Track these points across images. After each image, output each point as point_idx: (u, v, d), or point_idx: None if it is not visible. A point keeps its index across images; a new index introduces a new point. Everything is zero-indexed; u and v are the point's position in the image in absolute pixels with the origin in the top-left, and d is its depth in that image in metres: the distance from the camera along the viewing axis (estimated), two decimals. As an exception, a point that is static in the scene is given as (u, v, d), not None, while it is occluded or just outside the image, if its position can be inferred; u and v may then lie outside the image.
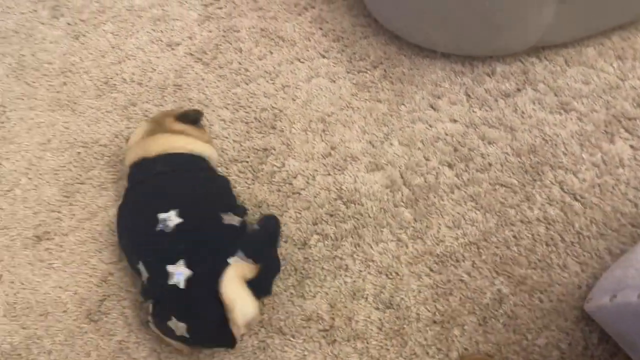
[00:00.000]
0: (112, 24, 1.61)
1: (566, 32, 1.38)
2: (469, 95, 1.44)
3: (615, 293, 1.04)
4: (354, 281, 1.25)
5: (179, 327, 1.03)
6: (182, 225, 1.08)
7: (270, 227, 1.25)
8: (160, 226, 1.07)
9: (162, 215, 1.09)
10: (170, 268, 1.04)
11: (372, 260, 1.27)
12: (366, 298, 1.23)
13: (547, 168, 1.35)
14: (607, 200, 1.30)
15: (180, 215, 1.09)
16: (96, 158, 1.42)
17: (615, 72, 1.45)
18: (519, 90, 1.44)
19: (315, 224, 1.31)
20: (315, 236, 1.30)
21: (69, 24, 1.62)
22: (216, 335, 1.07)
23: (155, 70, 1.53)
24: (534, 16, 1.24)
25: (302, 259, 1.27)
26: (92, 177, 1.39)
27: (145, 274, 1.09)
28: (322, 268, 1.26)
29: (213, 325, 1.04)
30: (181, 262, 1.04)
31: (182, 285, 1.02)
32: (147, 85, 1.51)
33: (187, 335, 1.04)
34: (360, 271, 1.26)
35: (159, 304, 1.08)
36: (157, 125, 1.26)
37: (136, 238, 1.14)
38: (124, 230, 1.19)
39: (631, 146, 1.35)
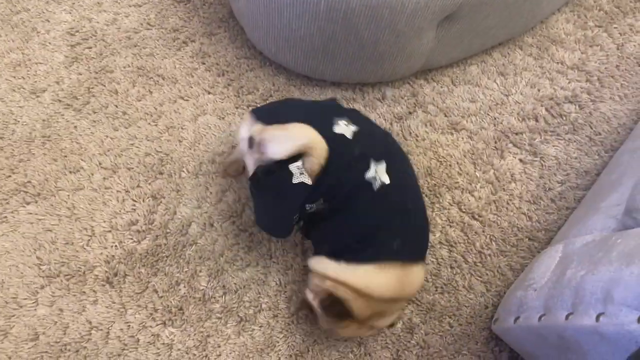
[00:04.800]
0: (-37, 73, 1.48)
1: (448, 54, 1.46)
2: (362, 122, 1.47)
3: (518, 315, 1.10)
4: (263, 332, 1.22)
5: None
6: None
7: None
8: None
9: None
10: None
11: (279, 308, 1.24)
12: (277, 351, 1.21)
13: (444, 189, 1.40)
14: (503, 216, 1.38)
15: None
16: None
17: (499, 89, 1.54)
18: (410, 113, 1.49)
19: (218, 275, 1.27)
20: (217, 290, 1.26)
21: None
22: None
23: (18, 121, 1.42)
24: (415, 43, 1.30)
25: (204, 316, 1.22)
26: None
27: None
28: (226, 323, 1.22)
29: None
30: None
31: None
32: (10, 139, 1.40)
33: None
34: (269, 321, 1.23)
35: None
36: None
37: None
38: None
39: (520, 160, 1.45)
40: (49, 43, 1.53)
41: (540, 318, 1.02)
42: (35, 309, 1.22)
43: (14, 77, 1.48)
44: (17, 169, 1.36)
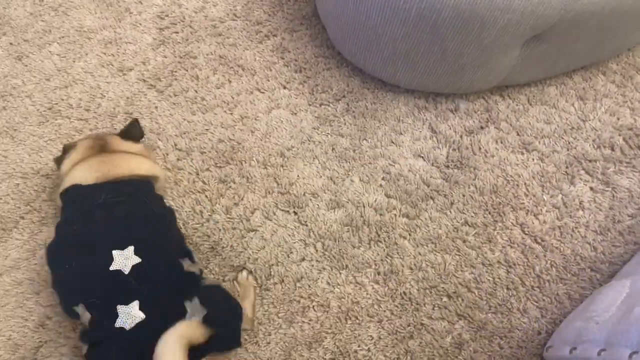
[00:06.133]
0: (58, 45, 1.56)
1: (529, 73, 1.42)
2: (432, 131, 1.46)
3: (575, 345, 1.06)
4: (312, 327, 1.23)
5: None
6: (140, 266, 1.03)
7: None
8: (115, 265, 1.02)
9: (118, 252, 1.04)
10: (121, 309, 0.99)
11: (329, 306, 1.25)
12: (324, 347, 1.22)
13: (509, 209, 1.37)
14: (567, 243, 1.34)
15: (137, 253, 1.04)
16: (37, 190, 1.36)
17: (576, 113, 1.50)
18: (482, 128, 1.47)
19: (271, 265, 1.29)
20: (271, 279, 1.28)
21: (11, 43, 1.56)
22: None
23: (104, 96, 1.49)
24: (499, 59, 1.27)
25: (257, 304, 1.25)
26: (32, 211, 1.34)
27: (86, 316, 1.03)
28: (278, 313, 1.24)
29: None
30: (135, 304, 1.00)
31: (128, 327, 0.98)
32: (95, 112, 1.46)
33: None
34: (319, 317, 1.24)
35: (98, 346, 1.01)
36: (99, 145, 1.21)
37: (83, 277, 1.06)
38: (63, 268, 1.09)
39: (591, 188, 1.40)
40: (140, 24, 1.59)
41: (599, 352, 0.99)
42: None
43: (105, 53, 1.55)
44: (99, 141, 1.43)
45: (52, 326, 1.22)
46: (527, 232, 1.35)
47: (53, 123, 1.45)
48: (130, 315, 0.99)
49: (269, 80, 1.52)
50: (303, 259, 1.31)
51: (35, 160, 1.40)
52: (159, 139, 1.43)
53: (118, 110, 1.47)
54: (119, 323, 0.98)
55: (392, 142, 1.45)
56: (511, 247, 1.34)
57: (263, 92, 1.51)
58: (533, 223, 1.36)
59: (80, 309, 1.03)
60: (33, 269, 1.27)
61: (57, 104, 1.48)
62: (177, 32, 1.58)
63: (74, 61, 1.54)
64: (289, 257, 1.31)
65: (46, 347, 1.20)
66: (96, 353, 1.01)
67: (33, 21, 1.59)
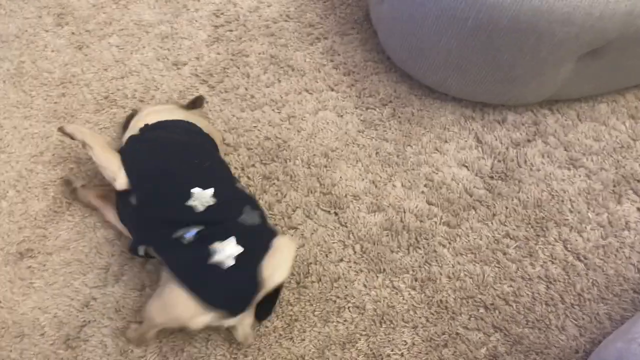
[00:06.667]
0: (118, 37, 1.61)
1: (581, 88, 1.40)
2: (478, 141, 1.45)
3: (615, 366, 1.03)
4: (346, 327, 1.24)
5: (228, 251, 1.05)
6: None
7: None
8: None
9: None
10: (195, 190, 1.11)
11: (364, 308, 1.26)
12: (358, 349, 1.22)
13: (552, 224, 1.35)
14: (610, 263, 1.31)
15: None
16: (89, 175, 1.41)
17: (627, 131, 1.46)
18: (529, 141, 1.45)
19: (309, 263, 1.30)
20: (309, 277, 1.29)
21: (73, 33, 1.61)
22: (246, 285, 1.07)
23: (158, 88, 1.53)
24: (552, 72, 1.26)
25: (293, 300, 1.26)
26: (84, 195, 1.38)
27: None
28: (314, 311, 1.25)
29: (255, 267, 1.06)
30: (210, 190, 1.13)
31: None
32: (148, 103, 1.50)
33: (230, 264, 1.04)
34: (353, 318, 1.25)
35: (218, 225, 1.09)
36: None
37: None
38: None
39: (638, 209, 1.37)
40: (196, 21, 1.63)
41: (642, 376, 0.96)
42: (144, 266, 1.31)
43: (161, 47, 1.59)
44: (150, 132, 1.47)
45: (97, 307, 1.26)
46: (569, 249, 1.33)
47: (108, 112, 1.50)
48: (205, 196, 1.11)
49: (317, 82, 1.54)
50: (341, 260, 1.31)
51: (90, 146, 1.45)
52: (208, 133, 1.46)
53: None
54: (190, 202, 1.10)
55: (437, 150, 1.45)
56: (552, 262, 1.31)
57: (311, 93, 1.53)
58: (576, 240, 1.34)
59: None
60: (81, 250, 1.31)
61: (113, 93, 1.52)
62: (231, 30, 1.61)
63: (132, 53, 1.59)
64: (327, 256, 1.32)
65: (89, 326, 1.24)
66: (212, 230, 1.09)
67: (95, 13, 1.65)
